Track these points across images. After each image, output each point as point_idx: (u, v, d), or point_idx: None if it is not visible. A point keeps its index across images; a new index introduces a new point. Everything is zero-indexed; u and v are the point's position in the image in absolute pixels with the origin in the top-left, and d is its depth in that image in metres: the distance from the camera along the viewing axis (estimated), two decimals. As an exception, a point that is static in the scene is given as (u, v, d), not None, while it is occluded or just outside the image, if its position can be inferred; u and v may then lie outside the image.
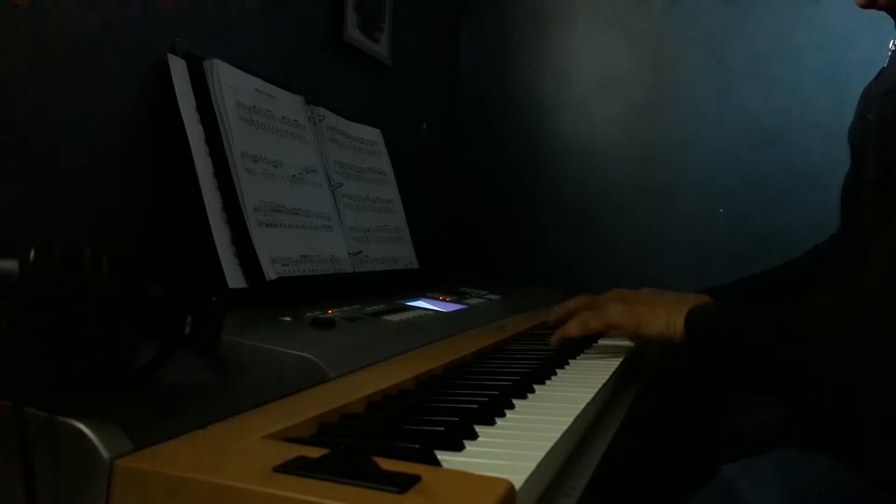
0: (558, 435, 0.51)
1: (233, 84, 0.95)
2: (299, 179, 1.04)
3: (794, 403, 0.82)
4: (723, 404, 1.00)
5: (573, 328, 0.86)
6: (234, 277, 0.86)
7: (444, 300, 1.11)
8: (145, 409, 0.45)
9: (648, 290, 0.93)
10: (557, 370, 0.77)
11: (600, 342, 0.97)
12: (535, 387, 0.68)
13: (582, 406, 0.61)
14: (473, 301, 1.16)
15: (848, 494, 0.67)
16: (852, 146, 0.84)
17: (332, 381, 0.62)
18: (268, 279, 0.88)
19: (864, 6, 0.82)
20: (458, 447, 0.48)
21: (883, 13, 0.81)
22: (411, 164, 1.49)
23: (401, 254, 1.29)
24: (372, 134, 1.33)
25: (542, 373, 0.73)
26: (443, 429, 0.48)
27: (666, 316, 0.81)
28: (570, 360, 0.83)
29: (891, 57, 0.81)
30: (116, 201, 0.84)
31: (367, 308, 0.91)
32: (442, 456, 0.45)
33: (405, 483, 0.36)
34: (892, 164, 0.71)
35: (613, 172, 1.70)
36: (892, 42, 0.82)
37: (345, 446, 0.39)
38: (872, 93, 0.83)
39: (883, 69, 0.84)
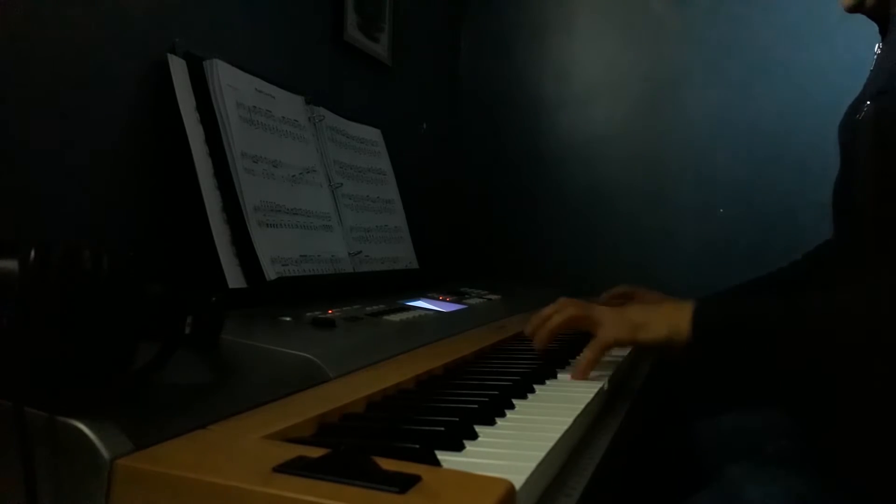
0: (558, 435, 0.51)
1: (233, 84, 0.95)
2: (299, 179, 1.04)
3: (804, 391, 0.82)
4: (725, 404, 1.00)
5: (586, 371, 0.76)
6: (234, 277, 0.86)
7: (444, 300, 1.11)
8: (145, 409, 0.45)
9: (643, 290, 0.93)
10: (557, 370, 0.77)
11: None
12: (535, 387, 0.68)
13: (582, 406, 0.61)
14: (473, 301, 1.16)
15: (849, 495, 0.67)
16: (842, 145, 0.84)
17: (332, 381, 0.62)
18: (268, 279, 0.88)
19: (851, 10, 0.82)
20: (458, 447, 0.48)
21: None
22: (411, 164, 1.49)
23: (401, 254, 1.29)
24: (372, 134, 1.33)
25: (542, 373, 0.73)
26: (443, 429, 0.48)
27: (665, 317, 0.77)
28: (570, 360, 0.83)
29: (876, 59, 0.82)
30: (117, 201, 0.84)
31: (367, 308, 0.91)
32: (442, 456, 0.45)
33: (405, 483, 0.36)
34: (892, 166, 0.71)
35: (613, 172, 1.70)
36: (877, 45, 0.82)
37: (345, 446, 0.39)
38: (863, 92, 0.83)
39: (871, 71, 0.84)
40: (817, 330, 0.68)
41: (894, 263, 0.68)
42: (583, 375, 0.74)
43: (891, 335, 0.63)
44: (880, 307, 0.64)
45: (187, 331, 0.51)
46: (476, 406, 0.56)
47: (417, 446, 0.44)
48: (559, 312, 0.82)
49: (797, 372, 0.73)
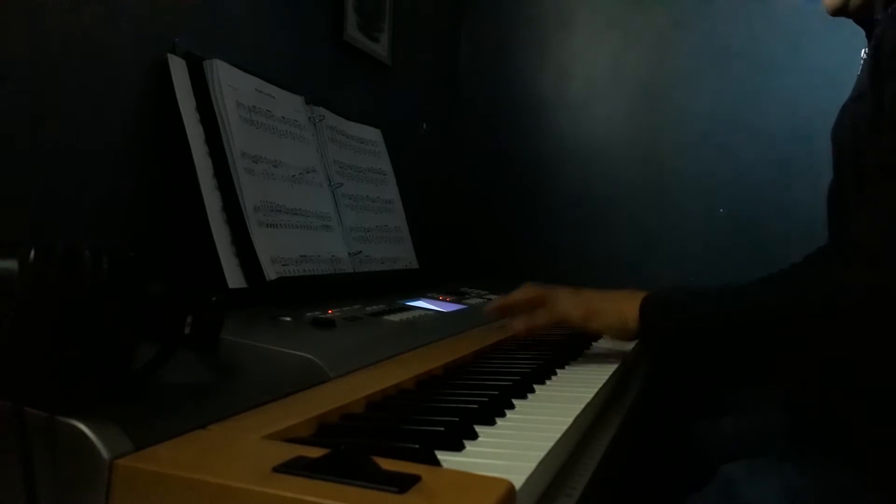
0: (558, 435, 0.51)
1: (233, 84, 0.95)
2: (299, 179, 1.04)
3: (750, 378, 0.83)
4: (723, 404, 1.00)
5: (519, 326, 0.84)
6: (234, 277, 0.86)
7: (444, 300, 1.11)
8: (145, 409, 0.45)
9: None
10: (557, 370, 0.77)
11: (600, 342, 0.97)
12: (535, 387, 0.68)
13: (582, 406, 0.61)
14: (473, 301, 1.17)
15: (847, 494, 0.67)
16: (833, 149, 0.84)
17: (332, 381, 0.62)
18: (268, 279, 0.88)
19: (835, 13, 0.81)
20: (458, 447, 0.48)
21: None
22: (411, 164, 1.49)
23: (401, 254, 1.29)
24: (372, 134, 1.33)
25: (542, 373, 0.73)
26: (443, 429, 0.48)
27: (617, 306, 0.79)
28: (570, 361, 0.83)
29: (862, 64, 0.81)
30: (117, 201, 0.84)
31: (367, 308, 0.91)
32: (442, 456, 0.45)
33: (405, 483, 0.36)
34: (865, 167, 0.71)
35: (613, 172, 1.70)
36: (863, 51, 0.82)
37: (345, 446, 0.39)
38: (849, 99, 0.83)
39: (857, 76, 0.84)
40: (762, 324, 0.70)
41: (846, 257, 0.69)
42: (517, 328, 0.83)
43: (870, 330, 0.64)
44: (838, 302, 0.65)
45: (187, 331, 0.51)
46: (476, 406, 0.56)
47: (417, 446, 0.44)
48: (520, 291, 0.87)
49: (751, 362, 0.74)
